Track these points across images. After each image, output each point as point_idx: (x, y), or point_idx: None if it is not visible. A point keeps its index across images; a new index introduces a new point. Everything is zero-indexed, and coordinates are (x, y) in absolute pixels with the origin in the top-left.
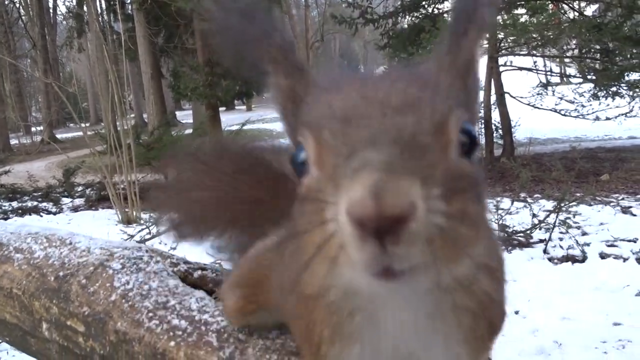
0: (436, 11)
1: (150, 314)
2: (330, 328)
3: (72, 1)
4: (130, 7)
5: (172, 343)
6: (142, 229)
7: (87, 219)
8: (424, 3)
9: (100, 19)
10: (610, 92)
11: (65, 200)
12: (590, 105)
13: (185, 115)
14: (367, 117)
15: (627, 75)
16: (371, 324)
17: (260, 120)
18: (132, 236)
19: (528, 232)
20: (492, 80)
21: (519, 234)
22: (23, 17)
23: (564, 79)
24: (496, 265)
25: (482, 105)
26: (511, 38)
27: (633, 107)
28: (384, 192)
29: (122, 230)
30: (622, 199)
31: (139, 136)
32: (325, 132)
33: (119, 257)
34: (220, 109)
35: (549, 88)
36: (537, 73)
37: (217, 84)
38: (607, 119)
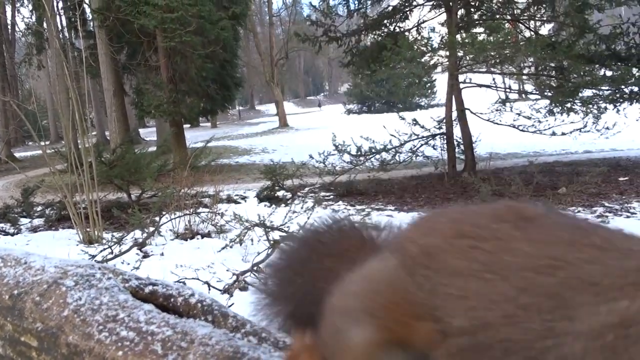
0: (397, 29)
1: (101, 327)
2: None
3: (31, 18)
4: (92, 24)
5: (120, 353)
6: (104, 249)
7: (47, 239)
8: (385, 22)
9: (60, 35)
10: (565, 108)
11: (24, 220)
12: (547, 120)
13: (149, 133)
14: None
15: (581, 92)
16: None
17: (225, 137)
18: (93, 256)
19: None
20: (453, 97)
21: None
22: None
23: (523, 95)
24: None
25: (444, 121)
26: (470, 56)
27: (586, 122)
28: None
29: (83, 251)
30: (578, 211)
31: (100, 154)
32: None
33: (72, 274)
34: (185, 126)
35: (507, 104)
36: (497, 90)
37: (181, 101)
38: (563, 134)
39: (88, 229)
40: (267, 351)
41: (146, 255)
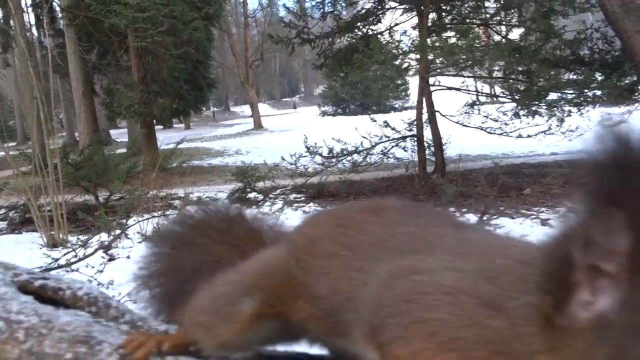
0: (370, 32)
1: None
2: None
3: None
4: (60, 22)
5: None
6: (68, 252)
7: (9, 243)
8: (358, 24)
9: (27, 33)
10: (531, 111)
11: None
12: (513, 123)
13: (120, 134)
14: None
15: (546, 95)
16: None
17: (199, 138)
18: (56, 259)
19: None
20: (424, 99)
21: None
22: None
23: (493, 98)
24: None
25: (415, 123)
26: (440, 59)
27: (550, 125)
28: None
29: (46, 254)
30: (542, 211)
31: (67, 155)
32: None
33: None
34: (158, 127)
35: (476, 107)
36: (468, 93)
37: (153, 101)
38: (529, 136)
39: (53, 232)
40: (118, 335)
41: (112, 258)
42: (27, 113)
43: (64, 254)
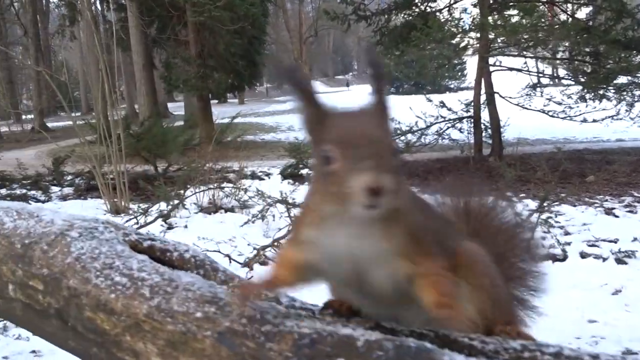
0: (428, 9)
1: (98, 273)
2: (316, 222)
3: None
4: None
5: (113, 295)
6: (130, 219)
7: (76, 208)
8: (416, 1)
9: (92, 7)
10: (597, 95)
11: (55, 189)
12: (578, 107)
13: (177, 107)
14: (362, 145)
15: (615, 79)
16: (340, 228)
17: (252, 113)
18: None
19: None
20: (483, 79)
21: None
22: (15, 4)
23: (555, 80)
24: (411, 208)
25: (472, 104)
26: (501, 38)
27: (619, 109)
28: (377, 179)
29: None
30: (606, 200)
31: (129, 126)
32: (344, 148)
33: (77, 227)
34: (213, 101)
35: (538, 89)
36: (530, 74)
37: (209, 76)
38: (594, 121)
39: (115, 199)
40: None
41: (170, 227)
42: (93, 84)
43: (126, 221)
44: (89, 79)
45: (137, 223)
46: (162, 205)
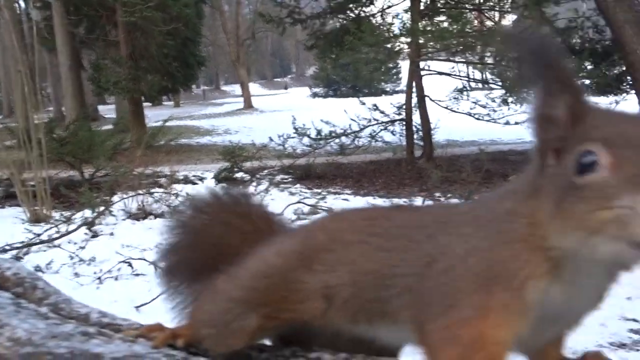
0: (362, 14)
1: None
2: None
3: None
4: None
5: None
6: (51, 227)
7: None
8: (351, 6)
9: (14, 5)
10: (520, 98)
11: None
12: (501, 110)
13: (108, 110)
14: None
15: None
16: (584, 276)
17: (188, 116)
18: (38, 235)
19: None
20: (414, 83)
21: None
22: None
23: (484, 84)
24: None
25: (404, 107)
26: (430, 43)
27: None
28: None
29: (28, 229)
30: None
31: (52, 130)
32: (627, 152)
33: None
34: (146, 104)
35: (465, 93)
36: (459, 78)
37: (141, 78)
38: (516, 123)
39: (36, 207)
40: (26, 318)
41: (95, 235)
42: (14, 86)
43: (46, 230)
44: (8, 81)
45: (59, 232)
46: (87, 213)
